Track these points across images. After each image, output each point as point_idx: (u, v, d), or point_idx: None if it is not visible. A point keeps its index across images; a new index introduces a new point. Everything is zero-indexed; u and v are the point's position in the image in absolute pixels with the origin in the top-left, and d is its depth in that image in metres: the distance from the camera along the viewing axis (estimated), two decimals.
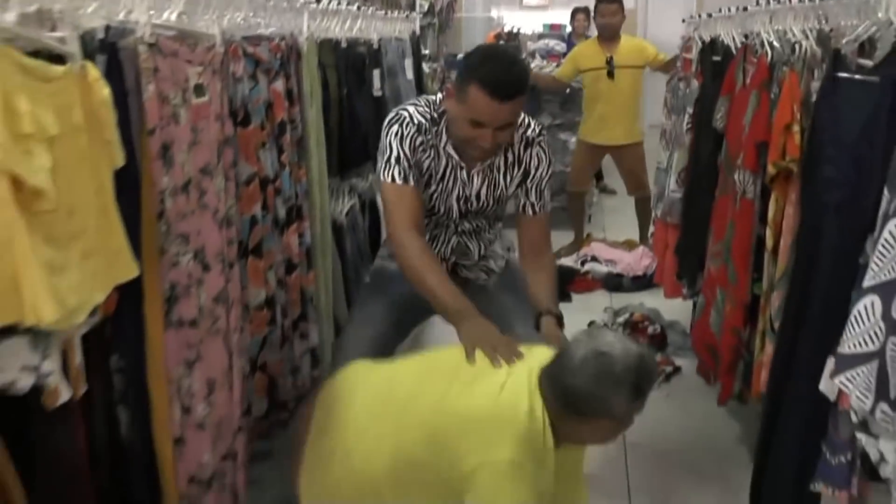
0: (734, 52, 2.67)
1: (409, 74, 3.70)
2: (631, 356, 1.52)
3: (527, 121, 2.11)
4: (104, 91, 1.38)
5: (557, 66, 5.06)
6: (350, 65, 2.83)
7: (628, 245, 4.44)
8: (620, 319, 3.50)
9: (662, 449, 2.71)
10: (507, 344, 1.73)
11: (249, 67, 1.98)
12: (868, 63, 1.65)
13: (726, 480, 2.39)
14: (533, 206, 2.13)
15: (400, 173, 1.98)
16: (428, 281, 1.92)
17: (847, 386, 1.33)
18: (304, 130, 2.32)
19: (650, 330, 3.39)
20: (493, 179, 2.10)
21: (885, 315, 1.26)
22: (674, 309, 3.55)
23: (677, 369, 3.21)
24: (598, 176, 5.83)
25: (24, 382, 1.23)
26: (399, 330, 2.22)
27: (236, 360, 1.89)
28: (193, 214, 1.69)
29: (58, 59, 1.32)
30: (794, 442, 1.79)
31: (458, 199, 2.11)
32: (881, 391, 1.26)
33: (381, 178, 2.02)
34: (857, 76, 1.67)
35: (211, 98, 1.75)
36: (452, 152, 2.04)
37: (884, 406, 1.25)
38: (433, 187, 2.08)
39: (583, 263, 4.29)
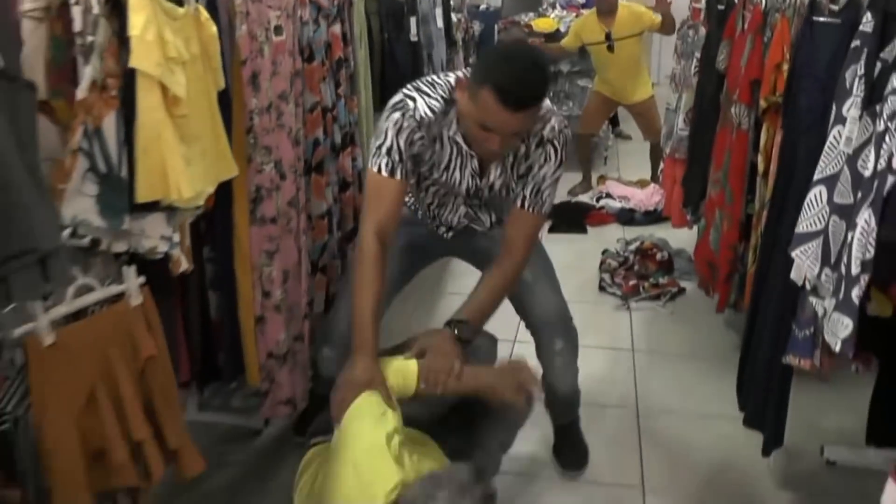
0: (736, 1, 2.96)
1: (440, 23, 4.00)
2: None
3: (549, 116, 1.95)
4: (213, 28, 1.74)
5: (577, 16, 5.32)
6: (390, 12, 3.16)
7: (640, 184, 4.76)
8: (632, 247, 3.83)
9: (669, 354, 3.07)
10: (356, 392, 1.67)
11: (313, 13, 2.31)
12: (835, 7, 1.95)
13: (724, 378, 2.71)
14: (525, 199, 1.99)
15: (387, 165, 1.87)
16: (358, 298, 1.82)
17: (801, 257, 1.68)
18: (355, 68, 2.66)
19: (658, 256, 3.72)
20: (506, 171, 2.01)
21: (829, 201, 1.59)
22: (680, 239, 3.89)
23: (682, 290, 3.56)
24: (614, 122, 6.13)
25: (161, 248, 1.61)
26: (404, 276, 2.22)
27: (304, 257, 2.26)
28: (273, 132, 2.05)
29: (177, 2, 1.67)
30: (770, 327, 2.13)
31: (467, 190, 2.04)
32: (825, 259, 1.60)
33: (370, 163, 1.91)
34: (827, 19, 1.98)
35: (286, 37, 2.09)
36: (461, 142, 1.94)
37: (826, 270, 1.59)
38: (437, 176, 2.01)
39: (598, 200, 4.64)
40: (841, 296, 1.48)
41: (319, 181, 2.38)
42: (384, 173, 1.86)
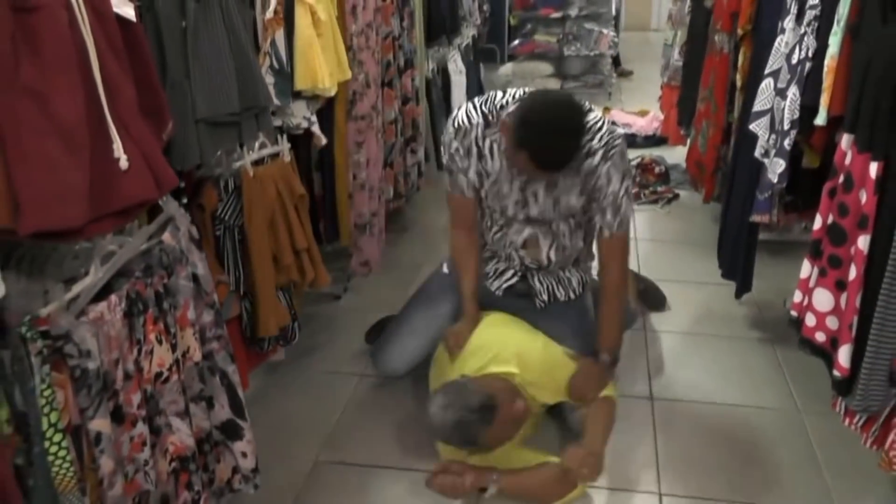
0: None
1: None
2: None
3: (596, 130, 2.02)
4: None
5: None
6: None
7: (641, 113, 5.40)
8: (634, 163, 4.49)
9: (666, 241, 3.78)
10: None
11: None
12: None
13: (710, 257, 3.29)
14: (609, 226, 2.11)
15: (449, 182, 2.19)
16: (457, 273, 2.25)
17: (756, 129, 2.34)
18: (413, 7, 3.30)
19: (657, 169, 4.38)
20: (554, 193, 2.11)
21: (775, 87, 2.25)
22: (676, 156, 4.56)
23: (677, 196, 4.23)
24: (616, 62, 6.76)
25: (303, 125, 2.27)
26: None
27: (380, 151, 2.93)
28: (363, 50, 2.70)
29: None
30: (740, 196, 2.79)
31: (515, 203, 2.16)
32: (772, 127, 2.26)
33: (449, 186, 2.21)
34: None
35: None
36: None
37: (772, 136, 2.26)
38: (486, 184, 2.15)
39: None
40: (778, 145, 2.14)
41: (390, 94, 3.04)
42: (448, 189, 2.21)
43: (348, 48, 2.59)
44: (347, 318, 3.06)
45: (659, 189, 4.24)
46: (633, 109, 5.59)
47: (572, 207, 2.15)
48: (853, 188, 1.79)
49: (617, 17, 6.72)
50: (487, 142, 2.08)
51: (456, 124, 2.09)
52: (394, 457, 2.27)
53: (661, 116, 4.91)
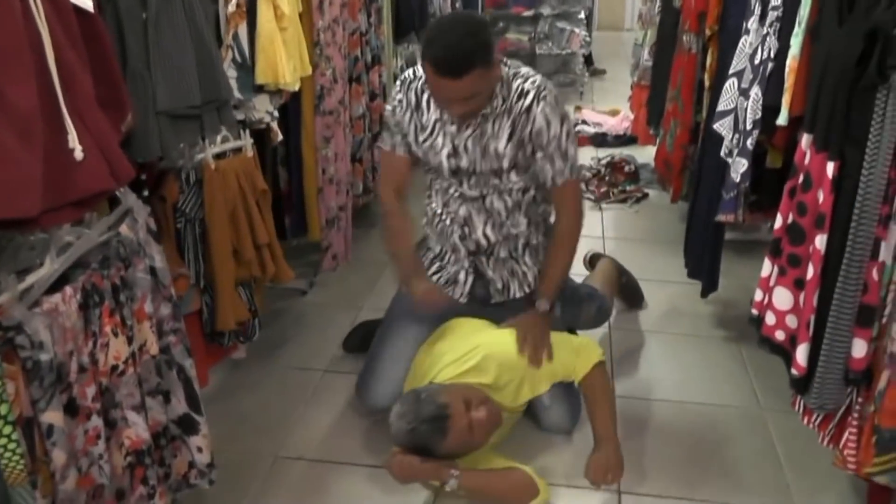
0: None
1: None
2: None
3: (527, 74, 2.05)
4: None
5: None
6: None
7: (612, 112, 5.44)
8: (603, 162, 4.52)
9: (633, 240, 3.80)
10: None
11: None
12: None
13: (677, 255, 3.33)
14: (560, 172, 2.08)
15: (387, 138, 2.17)
16: (392, 240, 2.21)
17: (720, 129, 2.36)
18: (381, 2, 3.29)
19: (626, 168, 4.42)
20: (483, 140, 2.08)
21: (738, 87, 2.27)
22: (646, 155, 4.58)
23: (646, 195, 4.27)
24: (589, 61, 6.80)
25: (266, 120, 2.26)
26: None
27: (348, 146, 2.93)
28: (330, 46, 2.69)
29: None
30: (706, 196, 2.82)
31: (447, 156, 2.12)
32: (735, 127, 2.29)
33: (379, 140, 2.25)
34: None
35: None
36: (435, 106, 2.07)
37: (736, 136, 2.28)
38: (422, 139, 2.13)
39: (575, 126, 5.31)
40: (740, 145, 2.17)
41: (358, 89, 3.04)
42: (385, 147, 2.19)
43: (315, 43, 2.58)
44: (314, 313, 3.05)
45: (628, 188, 4.28)
46: (604, 109, 5.63)
47: (500, 155, 2.08)
48: (811, 187, 1.82)
49: (590, 17, 6.76)
50: (426, 95, 2.08)
51: (402, 77, 2.13)
52: (354, 453, 2.27)
53: (632, 116, 4.94)
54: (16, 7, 1.18)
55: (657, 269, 3.41)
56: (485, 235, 2.23)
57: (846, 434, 1.83)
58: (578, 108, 5.68)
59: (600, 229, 3.91)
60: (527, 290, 2.30)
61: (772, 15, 2.07)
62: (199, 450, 1.76)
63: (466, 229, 2.23)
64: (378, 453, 2.23)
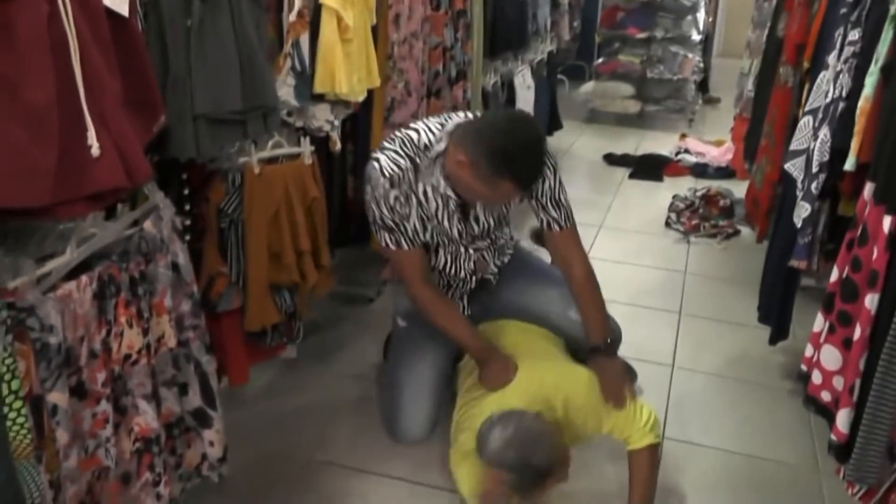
0: None
1: None
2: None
3: None
4: None
5: None
6: None
7: (717, 143, 5.23)
8: (699, 194, 4.35)
9: (714, 278, 3.64)
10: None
11: None
12: None
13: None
14: (556, 221, 2.15)
15: (392, 240, 2.06)
16: (450, 329, 2.14)
17: (790, 169, 2.22)
18: (471, 18, 3.30)
19: (721, 203, 4.23)
20: (495, 208, 2.19)
21: (814, 126, 2.13)
22: (744, 191, 4.35)
23: (737, 231, 4.08)
24: (704, 88, 6.56)
25: (325, 128, 2.31)
26: (446, 373, 2.37)
27: None
28: (406, 59, 2.72)
29: None
30: (781, 238, 2.66)
31: (459, 233, 2.17)
32: (807, 171, 2.15)
33: (379, 238, 2.09)
34: None
35: None
36: (451, 193, 2.05)
37: (807, 180, 2.14)
38: (429, 227, 2.11)
39: (677, 154, 5.15)
40: (805, 188, 2.03)
41: (437, 104, 3.05)
42: (392, 247, 2.07)
43: (388, 56, 2.62)
44: (377, 321, 3.07)
45: (720, 223, 4.09)
46: (711, 139, 5.42)
47: (506, 213, 2.25)
48: (868, 242, 1.68)
49: (706, 42, 6.52)
50: (421, 186, 2.03)
51: (386, 174, 1.98)
52: (386, 463, 2.27)
53: (734, 148, 4.74)
54: (41, 10, 1.25)
55: (733, 311, 3.26)
56: (494, 265, 2.37)
57: None
58: (683, 136, 5.49)
59: (683, 262, 3.76)
60: (508, 251, 2.44)
61: (848, 50, 1.93)
62: (212, 444, 1.81)
63: (479, 273, 2.33)
64: (410, 467, 2.24)
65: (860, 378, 1.68)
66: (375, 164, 2.00)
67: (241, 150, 2.02)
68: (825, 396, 1.85)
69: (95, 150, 1.36)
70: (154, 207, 1.62)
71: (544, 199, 2.12)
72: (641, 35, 5.84)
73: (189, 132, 1.69)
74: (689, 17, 5.78)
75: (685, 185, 4.70)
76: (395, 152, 2.00)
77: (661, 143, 5.53)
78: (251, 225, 2.03)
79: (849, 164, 1.88)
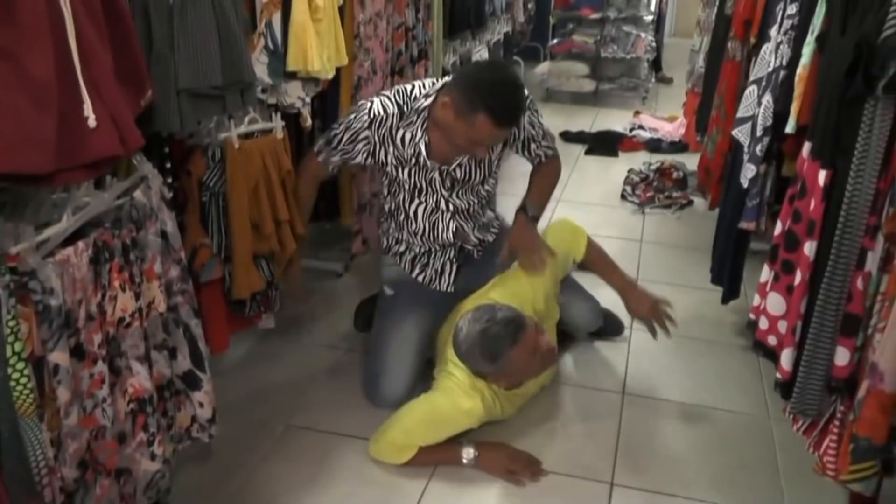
0: None
1: None
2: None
3: None
4: None
5: None
6: None
7: (670, 118, 5.41)
8: (653, 167, 4.52)
9: (670, 245, 3.82)
10: None
11: None
12: None
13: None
14: (548, 148, 2.45)
15: (321, 147, 2.35)
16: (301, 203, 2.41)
17: (738, 135, 2.38)
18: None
19: (675, 175, 4.40)
20: (478, 158, 2.34)
21: (758, 94, 2.29)
22: (697, 163, 4.55)
23: (690, 202, 4.26)
24: (658, 67, 6.76)
25: (297, 105, 2.39)
26: (426, 339, 2.49)
27: None
28: (371, 39, 2.81)
29: None
30: (730, 203, 2.83)
31: (439, 173, 2.33)
32: (752, 136, 2.30)
33: (315, 145, 2.38)
34: None
35: None
36: (423, 148, 2.25)
37: (752, 144, 2.29)
38: (406, 167, 2.31)
39: (631, 130, 5.32)
40: (751, 152, 2.19)
41: (400, 81, 3.14)
42: (315, 150, 2.38)
43: (355, 36, 2.70)
44: (346, 295, 3.18)
45: (674, 194, 4.27)
46: (664, 115, 5.60)
47: (493, 161, 2.39)
48: (806, 195, 1.84)
49: (659, 22, 6.71)
50: (400, 132, 2.27)
51: (372, 114, 2.25)
52: (362, 427, 2.36)
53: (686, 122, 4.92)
54: None
55: (687, 275, 3.43)
56: (475, 236, 2.52)
57: (826, 441, 1.84)
58: (637, 113, 5.67)
59: (640, 232, 3.92)
60: (494, 230, 2.59)
61: (786, 23, 2.08)
62: (201, 405, 1.90)
63: (458, 241, 2.48)
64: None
65: (801, 320, 1.84)
66: (367, 103, 2.26)
67: (219, 125, 2.10)
68: (771, 340, 2.00)
69: (92, 121, 1.44)
70: (143, 177, 1.70)
71: (539, 136, 2.39)
72: (595, 15, 5.99)
73: (173, 106, 1.76)
74: None
75: (640, 160, 4.86)
76: (388, 98, 2.26)
77: (616, 120, 5.70)
78: (233, 197, 2.11)
79: (789, 127, 2.03)
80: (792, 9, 2.08)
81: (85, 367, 1.59)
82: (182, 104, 1.79)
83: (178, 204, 2.11)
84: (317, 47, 2.28)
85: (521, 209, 2.43)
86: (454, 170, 2.32)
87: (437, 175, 2.32)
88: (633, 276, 3.44)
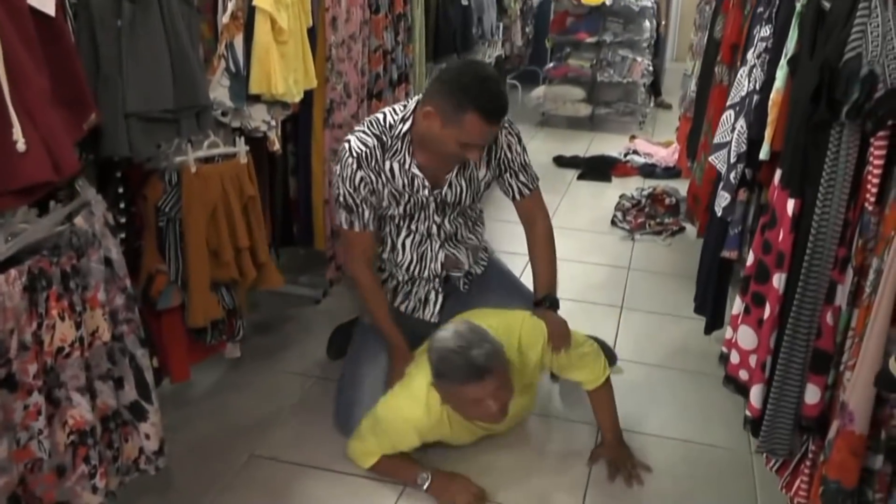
0: None
1: None
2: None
3: None
4: None
5: None
6: None
7: (666, 144, 5.35)
8: (645, 193, 4.45)
9: (658, 273, 3.74)
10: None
11: None
12: None
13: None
14: (525, 185, 2.32)
15: (347, 220, 2.22)
16: (374, 314, 2.32)
17: (714, 161, 2.31)
18: (412, 22, 3.37)
19: (667, 201, 4.34)
20: (467, 172, 2.26)
21: (733, 120, 2.23)
22: None
23: (682, 229, 4.18)
24: (657, 92, 6.71)
25: (262, 129, 2.35)
26: None
27: None
28: (344, 61, 2.77)
29: None
30: (714, 231, 2.76)
31: (434, 198, 2.26)
32: (729, 162, 2.24)
33: (337, 217, 2.27)
34: None
35: None
36: (417, 172, 2.18)
37: (727, 171, 2.23)
38: (402, 201, 2.24)
39: (625, 155, 5.26)
40: (725, 179, 2.12)
41: (378, 106, 3.10)
42: (345, 227, 2.25)
43: (327, 58, 2.67)
44: (322, 321, 3.10)
45: (666, 221, 4.20)
46: (660, 140, 5.54)
47: (481, 181, 2.30)
48: (776, 225, 1.77)
49: (659, 47, 6.67)
50: (388, 164, 2.19)
51: (355, 153, 2.15)
52: (328, 458, 2.30)
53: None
54: None
55: (674, 304, 3.35)
56: (467, 260, 2.46)
57: (798, 482, 1.76)
58: (633, 138, 5.62)
59: (628, 259, 3.85)
60: (482, 261, 2.54)
61: (760, 45, 2.03)
62: (148, 437, 1.83)
63: (445, 272, 2.42)
64: (349, 463, 2.27)
65: (770, 355, 1.76)
66: (345, 145, 2.17)
67: (177, 149, 2.06)
68: (743, 375, 1.93)
69: (21, 146, 1.40)
70: (86, 203, 1.65)
71: (515, 164, 2.29)
72: (591, 39, 5.96)
73: (121, 130, 1.72)
74: (638, 22, 5.91)
75: (633, 185, 4.80)
76: (363, 132, 2.18)
77: (612, 145, 5.65)
78: (190, 222, 2.06)
79: (763, 154, 1.96)
80: (765, 31, 2.02)
81: (18, 398, 1.53)
82: (131, 128, 1.75)
83: (135, 229, 2.07)
84: (281, 70, 2.24)
85: (541, 301, 2.33)
86: (445, 193, 2.26)
87: (431, 200, 2.26)
88: (619, 303, 3.38)
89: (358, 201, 2.19)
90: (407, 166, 2.18)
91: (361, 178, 2.16)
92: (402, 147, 2.17)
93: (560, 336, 2.21)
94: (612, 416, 2.35)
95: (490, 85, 2.02)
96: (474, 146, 2.07)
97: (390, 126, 2.17)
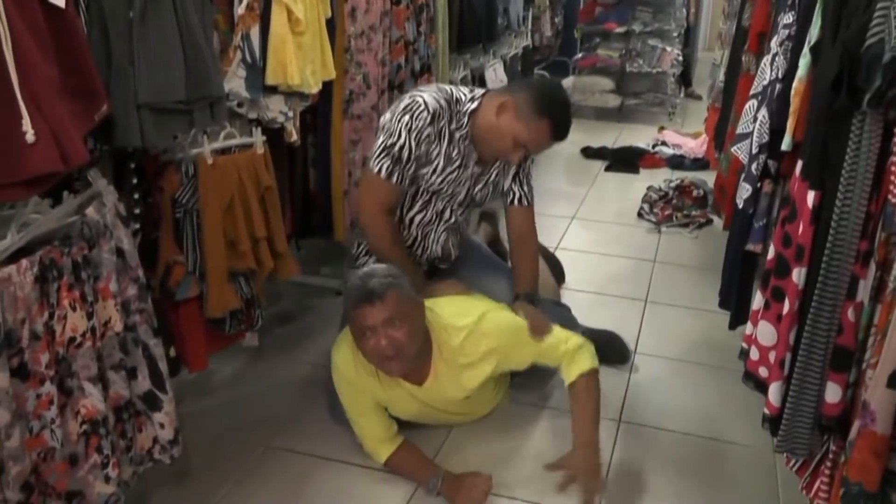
0: None
1: None
2: None
3: None
4: None
5: None
6: None
7: (695, 135, 5.27)
8: (673, 184, 4.38)
9: (684, 266, 3.69)
10: None
11: None
12: None
13: None
14: (525, 196, 2.40)
15: (387, 169, 2.16)
16: (401, 260, 2.25)
17: (737, 152, 2.26)
18: (435, 13, 3.34)
19: (695, 193, 4.27)
20: (497, 178, 2.39)
21: (756, 110, 2.17)
22: None
23: (709, 221, 4.11)
24: (687, 83, 6.60)
25: (279, 120, 2.34)
26: None
27: None
28: (364, 52, 2.76)
29: None
30: (739, 223, 2.70)
31: (467, 187, 2.34)
32: (751, 152, 2.19)
33: (371, 163, 2.18)
34: None
35: None
36: (473, 148, 2.26)
37: (749, 161, 2.18)
38: (450, 171, 2.27)
39: (654, 146, 5.18)
40: (747, 170, 2.07)
41: (400, 96, 3.08)
42: (383, 176, 2.17)
43: (346, 49, 2.65)
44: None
45: (693, 213, 4.13)
46: (690, 131, 5.45)
47: (498, 189, 2.42)
48: (796, 218, 1.72)
49: (689, 36, 6.55)
50: (459, 132, 2.24)
51: (430, 108, 2.15)
52: (344, 450, 2.29)
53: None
54: None
55: (698, 297, 3.30)
56: (453, 254, 2.51)
57: (818, 483, 1.71)
58: (661, 129, 5.53)
59: (654, 252, 3.80)
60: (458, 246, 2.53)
61: (783, 33, 1.97)
62: (162, 426, 1.84)
63: (442, 253, 2.45)
64: (365, 455, 2.26)
65: (790, 352, 1.72)
66: (419, 98, 2.16)
67: (193, 141, 2.06)
68: (762, 372, 1.88)
69: (30, 136, 1.40)
70: (97, 194, 1.66)
71: (523, 175, 2.40)
72: (620, 29, 5.88)
73: (133, 121, 1.72)
74: (668, 11, 5.82)
75: (661, 177, 4.74)
76: (433, 95, 2.19)
77: (641, 136, 5.58)
78: (207, 213, 2.07)
79: (785, 144, 1.91)
80: (788, 18, 1.96)
81: (30, 387, 1.54)
82: (143, 119, 1.74)
83: (152, 220, 2.07)
84: (297, 61, 2.23)
85: (521, 297, 2.35)
86: (478, 187, 2.36)
87: (468, 181, 2.33)
88: (643, 296, 3.33)
89: (413, 156, 2.17)
90: (466, 141, 2.25)
91: (428, 135, 2.17)
92: (466, 123, 2.24)
93: (538, 327, 2.20)
94: (584, 419, 2.11)
95: (569, 113, 2.22)
96: (525, 150, 2.19)
97: (457, 100, 2.24)
